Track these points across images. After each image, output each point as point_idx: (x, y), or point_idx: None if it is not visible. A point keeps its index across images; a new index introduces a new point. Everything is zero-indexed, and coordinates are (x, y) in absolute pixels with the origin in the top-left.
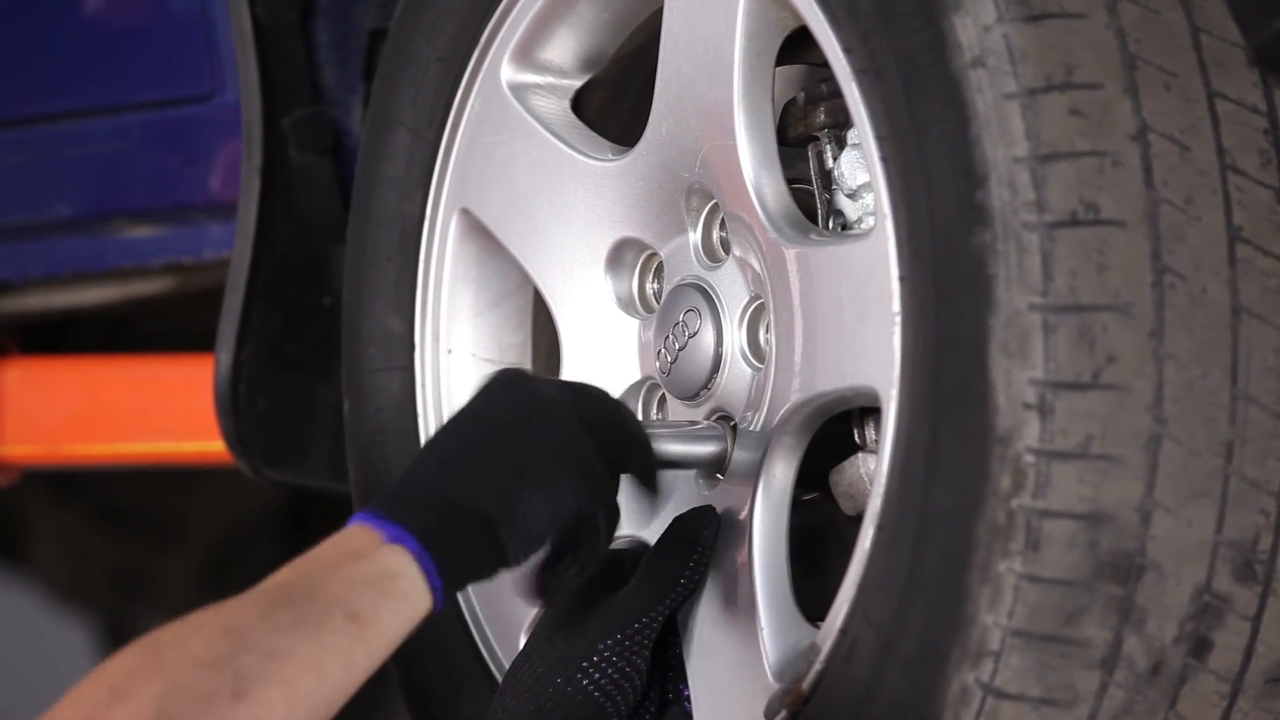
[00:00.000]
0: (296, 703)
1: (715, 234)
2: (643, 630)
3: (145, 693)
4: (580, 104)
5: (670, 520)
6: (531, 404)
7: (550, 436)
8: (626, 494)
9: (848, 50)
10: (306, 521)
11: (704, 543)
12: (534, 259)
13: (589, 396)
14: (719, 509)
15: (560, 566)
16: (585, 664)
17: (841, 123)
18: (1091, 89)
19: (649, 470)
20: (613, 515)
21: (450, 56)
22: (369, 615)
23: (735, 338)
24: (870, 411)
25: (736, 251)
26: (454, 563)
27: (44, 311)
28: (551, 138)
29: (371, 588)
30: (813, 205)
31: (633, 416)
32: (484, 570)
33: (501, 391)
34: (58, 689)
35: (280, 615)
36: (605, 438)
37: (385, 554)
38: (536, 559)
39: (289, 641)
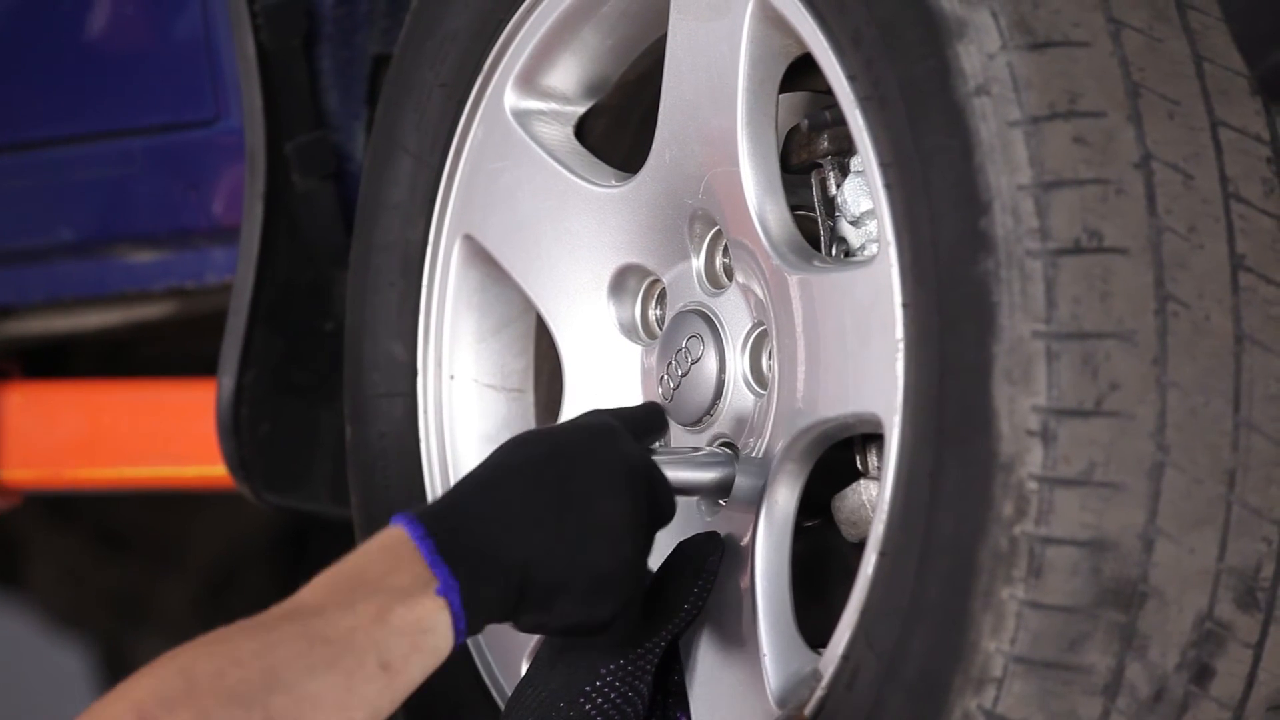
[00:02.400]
0: None
1: (718, 260)
2: (645, 656)
3: None
4: (583, 130)
5: (673, 546)
6: (616, 491)
7: (618, 553)
8: None
9: (851, 77)
10: (306, 546)
11: (708, 569)
12: (537, 285)
13: (660, 485)
14: (721, 535)
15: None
16: (588, 688)
17: (845, 150)
18: (1095, 117)
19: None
20: (631, 614)
21: (454, 83)
22: (400, 666)
23: (738, 364)
24: (873, 438)
25: (739, 278)
26: (480, 623)
27: (46, 336)
28: (555, 164)
29: (407, 639)
30: (816, 232)
31: (670, 493)
32: (499, 622)
33: (591, 450)
34: (55, 713)
35: (317, 655)
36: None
37: (429, 607)
38: None
39: (321, 685)
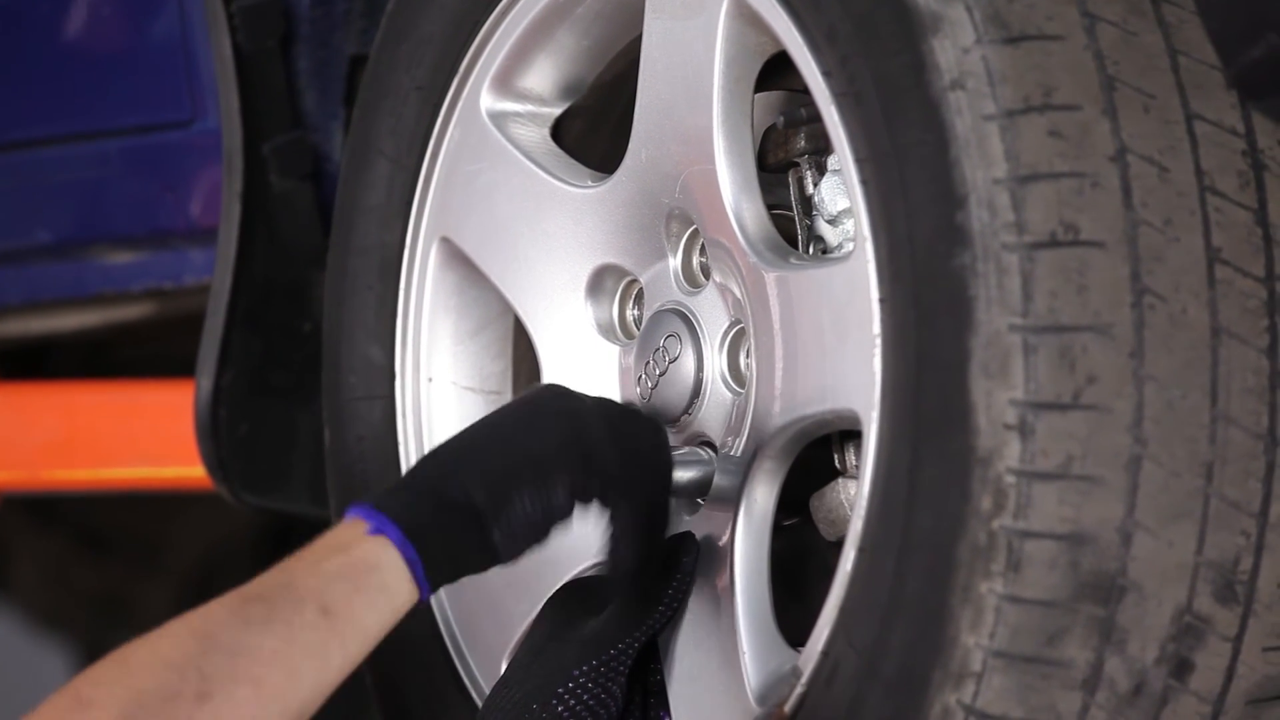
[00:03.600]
0: (265, 701)
1: (695, 259)
2: (618, 656)
3: (109, 698)
4: (560, 131)
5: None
6: (539, 406)
7: (548, 435)
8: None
9: (827, 74)
10: (286, 546)
11: (683, 570)
12: (514, 286)
13: (622, 410)
14: (699, 534)
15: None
16: (560, 689)
17: (822, 148)
18: (1070, 110)
19: (663, 500)
20: (638, 517)
21: (429, 85)
22: (343, 609)
23: (716, 362)
24: (850, 437)
25: (716, 277)
26: (440, 554)
27: (23, 337)
28: (531, 165)
29: (347, 581)
30: (793, 231)
31: (666, 444)
32: (473, 564)
33: (522, 398)
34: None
35: (251, 611)
36: (626, 451)
37: (367, 546)
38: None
39: (257, 638)
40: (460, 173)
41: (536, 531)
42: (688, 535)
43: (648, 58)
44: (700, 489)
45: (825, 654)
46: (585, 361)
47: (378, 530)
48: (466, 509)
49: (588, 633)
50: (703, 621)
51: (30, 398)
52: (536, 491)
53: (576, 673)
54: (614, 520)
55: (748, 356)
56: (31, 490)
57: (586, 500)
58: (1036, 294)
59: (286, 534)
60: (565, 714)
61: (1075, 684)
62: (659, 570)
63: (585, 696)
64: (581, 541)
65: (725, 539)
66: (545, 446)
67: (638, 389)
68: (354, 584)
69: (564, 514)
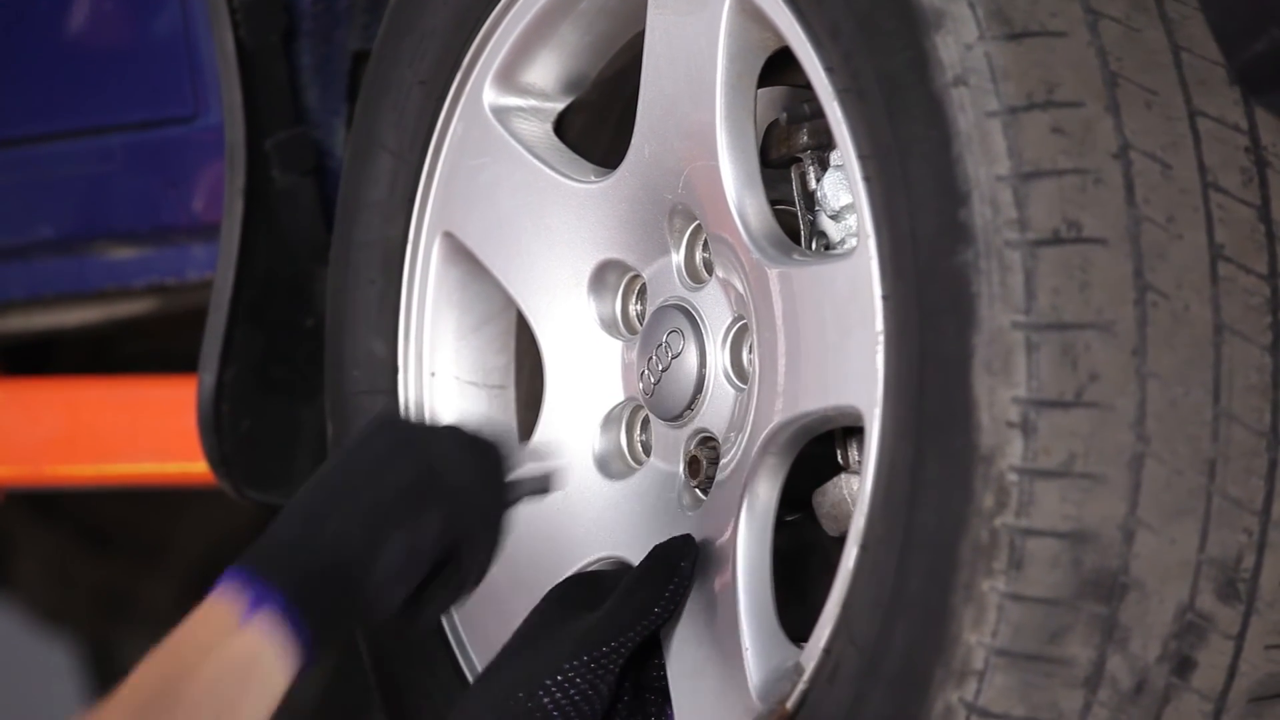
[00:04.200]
0: None
1: (698, 255)
2: (610, 655)
3: None
4: (563, 127)
5: (650, 545)
6: (391, 443)
7: (407, 474)
8: (615, 513)
9: (830, 70)
10: None
11: (682, 574)
12: (517, 282)
13: (460, 434)
14: (701, 530)
15: (429, 593)
16: (548, 681)
17: (824, 144)
18: (1073, 107)
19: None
20: (491, 535)
21: (432, 80)
22: (229, 715)
23: (718, 358)
24: (853, 432)
25: (719, 272)
26: (322, 620)
27: (26, 333)
28: (534, 160)
29: (233, 682)
30: (796, 227)
31: (507, 461)
32: (354, 622)
33: (366, 436)
34: (41, 711)
35: None
36: (478, 472)
37: (245, 635)
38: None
39: None
40: (463, 168)
41: (412, 573)
42: (687, 538)
43: (650, 53)
44: (540, 488)
45: (827, 651)
46: (588, 357)
47: (258, 603)
48: (341, 568)
49: (583, 628)
50: (705, 618)
51: (33, 393)
52: (404, 532)
53: (566, 667)
54: (469, 549)
55: (750, 352)
56: (34, 486)
57: (459, 530)
58: (1039, 291)
59: None
60: (550, 706)
61: (1077, 682)
62: (658, 572)
63: (572, 691)
64: (586, 536)
65: (728, 534)
66: (405, 483)
67: (640, 384)
68: (240, 682)
69: (435, 548)
